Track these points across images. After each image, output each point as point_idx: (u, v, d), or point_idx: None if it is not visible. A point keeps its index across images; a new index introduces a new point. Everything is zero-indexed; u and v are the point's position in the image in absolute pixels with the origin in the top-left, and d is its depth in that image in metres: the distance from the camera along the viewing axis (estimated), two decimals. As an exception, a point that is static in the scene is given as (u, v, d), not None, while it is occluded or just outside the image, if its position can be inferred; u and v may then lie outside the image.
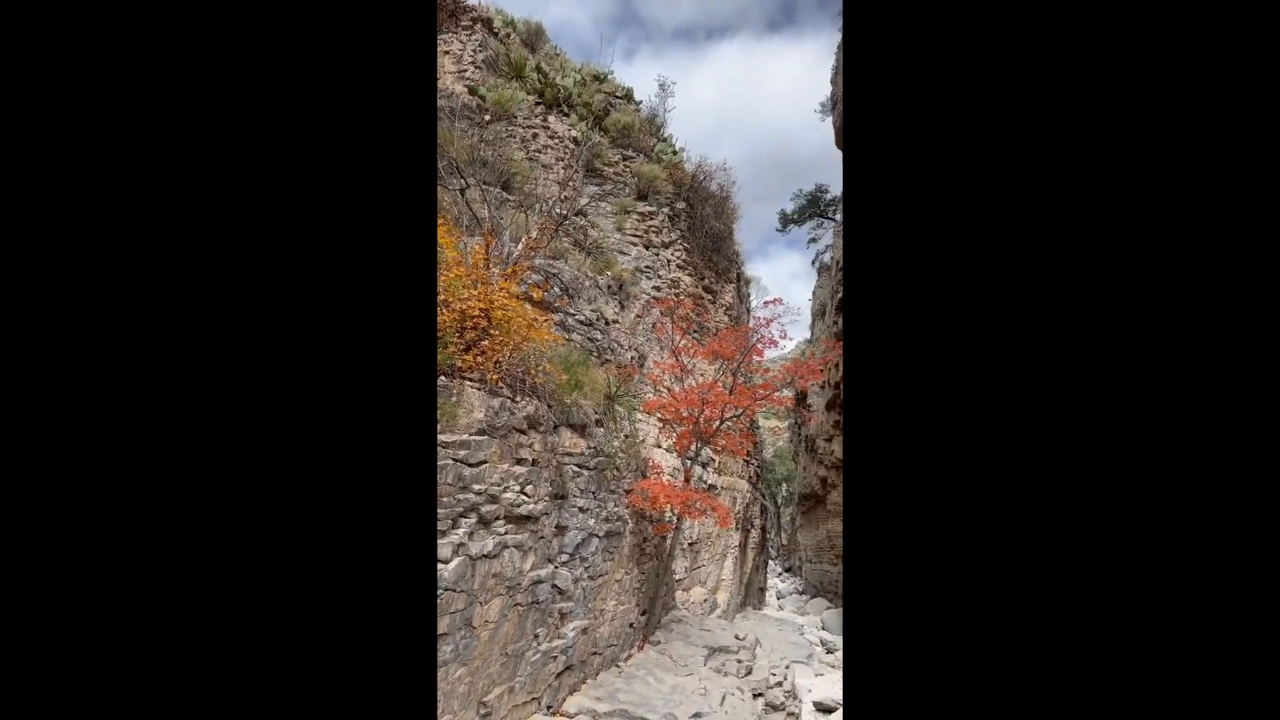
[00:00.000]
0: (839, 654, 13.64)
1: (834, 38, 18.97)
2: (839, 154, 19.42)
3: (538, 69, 14.76)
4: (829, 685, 10.45)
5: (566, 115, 14.55)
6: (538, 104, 14.25)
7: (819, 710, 8.81)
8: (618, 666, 7.21)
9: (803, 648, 13.13)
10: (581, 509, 6.42)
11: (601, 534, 6.79)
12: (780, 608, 21.20)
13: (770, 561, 30.14)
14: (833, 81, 18.92)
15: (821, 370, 15.13)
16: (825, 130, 20.42)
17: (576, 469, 6.42)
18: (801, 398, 23.17)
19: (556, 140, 13.89)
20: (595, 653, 6.77)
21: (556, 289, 8.11)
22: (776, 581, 28.48)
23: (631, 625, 7.82)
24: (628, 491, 7.57)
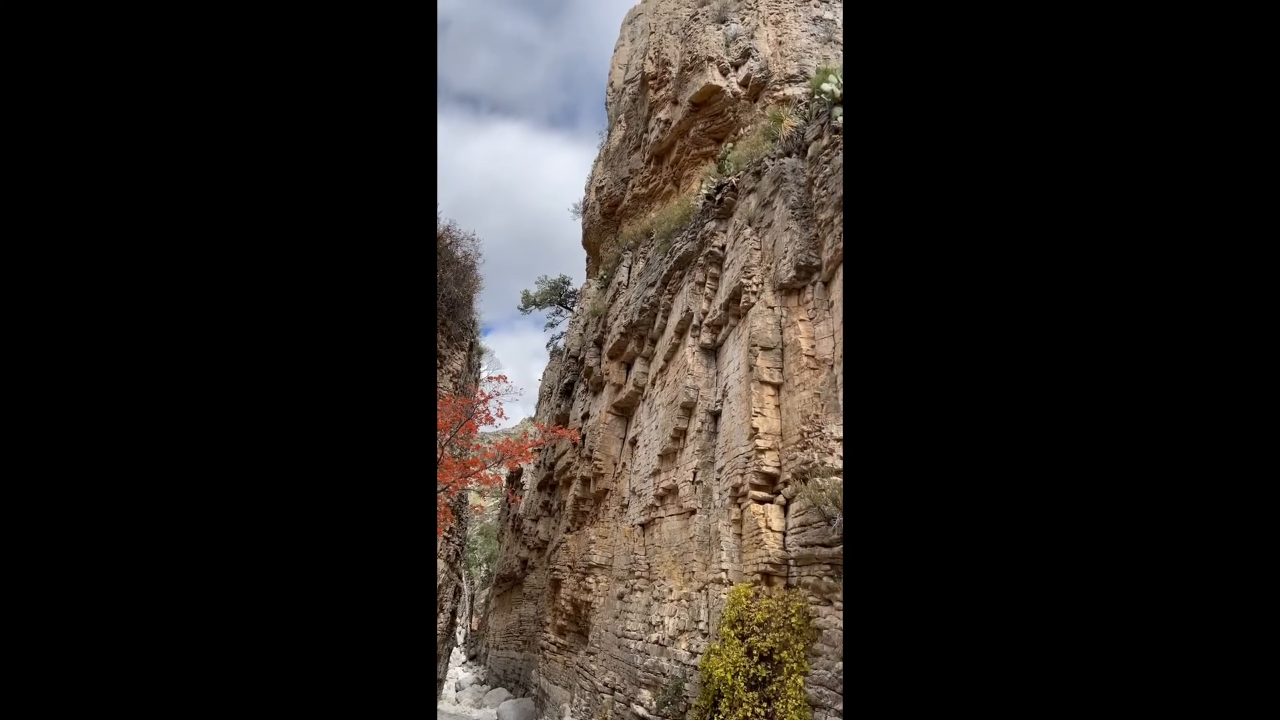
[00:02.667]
0: (509, 749, 13.07)
1: (594, 152, 21.01)
2: (584, 252, 21.17)
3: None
4: (492, 787, 9.87)
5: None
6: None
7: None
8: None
9: (472, 746, 12.28)
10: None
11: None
12: (457, 700, 19.71)
13: (455, 649, 28.14)
14: (586, 189, 20.89)
15: (535, 452, 15.40)
16: (576, 229, 22.11)
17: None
18: (515, 476, 23.14)
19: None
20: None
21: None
22: (459, 671, 26.59)
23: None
24: (290, 570, 6.43)
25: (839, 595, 5.94)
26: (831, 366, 7.52)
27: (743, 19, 12.32)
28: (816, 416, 7.40)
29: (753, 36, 12.05)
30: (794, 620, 6.25)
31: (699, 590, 8.59)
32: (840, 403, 7.13)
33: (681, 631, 8.79)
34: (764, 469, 7.70)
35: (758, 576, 7.17)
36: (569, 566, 14.34)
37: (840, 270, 7.59)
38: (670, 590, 9.42)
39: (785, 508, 7.42)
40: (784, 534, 7.22)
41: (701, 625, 8.29)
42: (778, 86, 11.69)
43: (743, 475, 7.97)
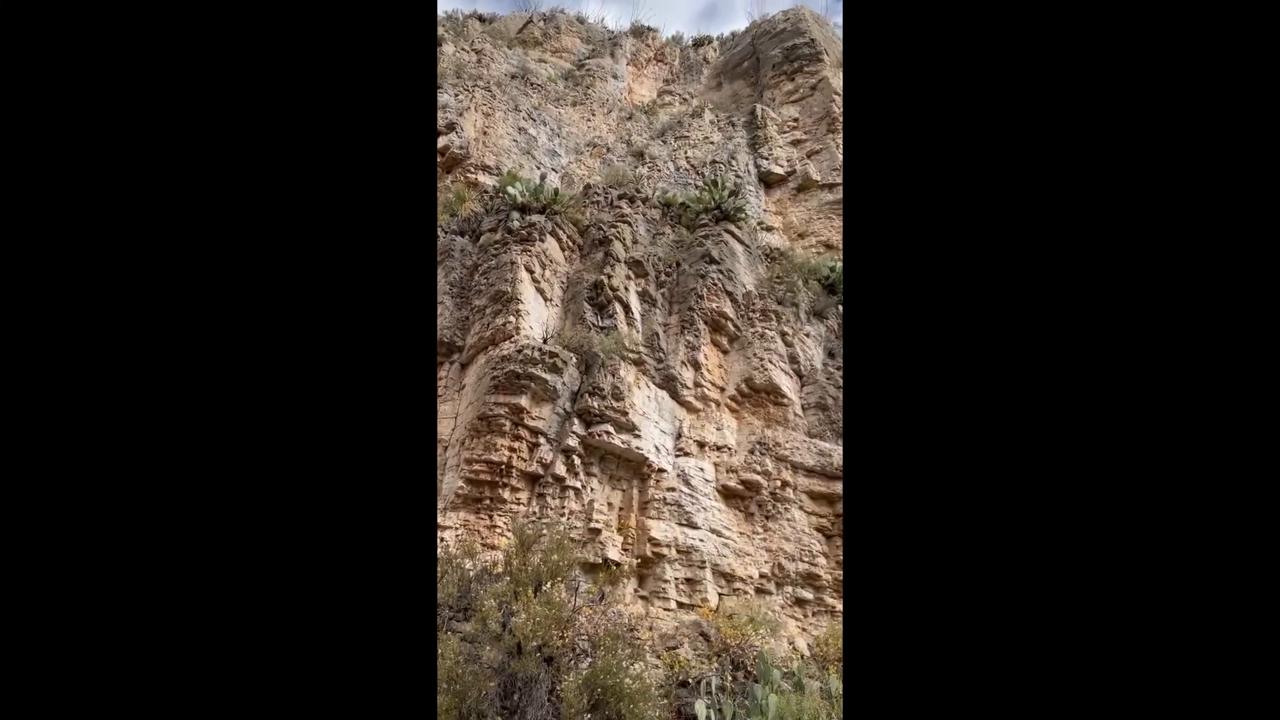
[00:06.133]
0: None
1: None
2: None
3: None
4: None
5: None
6: None
7: None
8: None
9: None
10: None
11: None
12: None
13: None
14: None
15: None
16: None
17: None
18: None
19: None
20: None
21: None
22: None
23: None
24: None
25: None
26: (446, 448, 7.46)
27: (456, 95, 12.65)
28: (416, 496, 7.11)
29: (461, 115, 12.40)
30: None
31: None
32: (443, 488, 7.05)
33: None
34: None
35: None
36: None
37: (479, 357, 7.83)
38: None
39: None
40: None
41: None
42: (472, 170, 12.10)
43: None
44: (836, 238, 12.80)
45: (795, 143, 14.10)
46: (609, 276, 8.55)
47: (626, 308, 8.57)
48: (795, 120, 14.42)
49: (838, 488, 8.19)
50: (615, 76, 16.18)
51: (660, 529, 7.35)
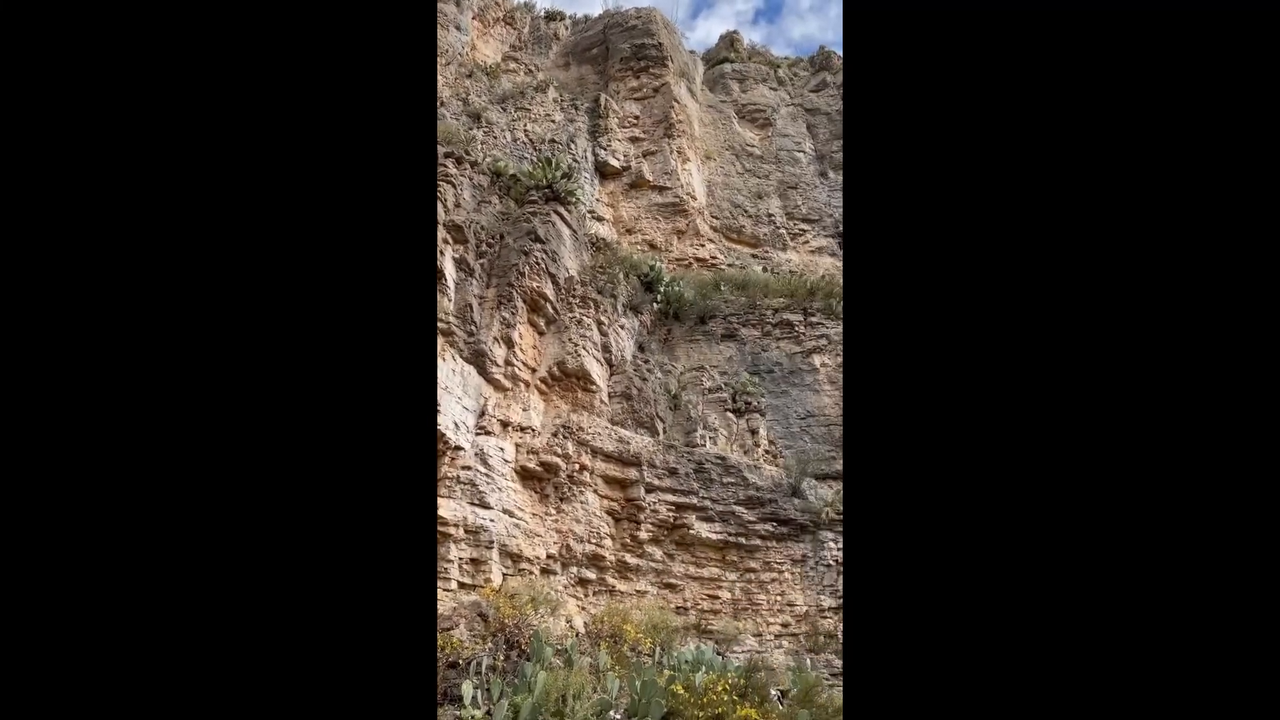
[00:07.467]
0: None
1: None
2: None
3: None
4: None
5: None
6: None
7: None
8: None
9: None
10: None
11: None
12: None
13: None
14: None
15: None
16: None
17: None
18: None
19: None
20: None
21: None
22: None
23: None
24: None
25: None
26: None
27: None
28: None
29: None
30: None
31: None
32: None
33: None
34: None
35: None
36: None
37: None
38: None
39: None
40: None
41: None
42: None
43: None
44: (660, 238, 13.40)
45: (634, 140, 14.46)
46: (424, 237, 7.97)
47: (440, 273, 8.06)
48: (636, 118, 14.78)
49: (632, 473, 8.60)
50: (459, 28, 15.11)
51: (450, 508, 7.05)
